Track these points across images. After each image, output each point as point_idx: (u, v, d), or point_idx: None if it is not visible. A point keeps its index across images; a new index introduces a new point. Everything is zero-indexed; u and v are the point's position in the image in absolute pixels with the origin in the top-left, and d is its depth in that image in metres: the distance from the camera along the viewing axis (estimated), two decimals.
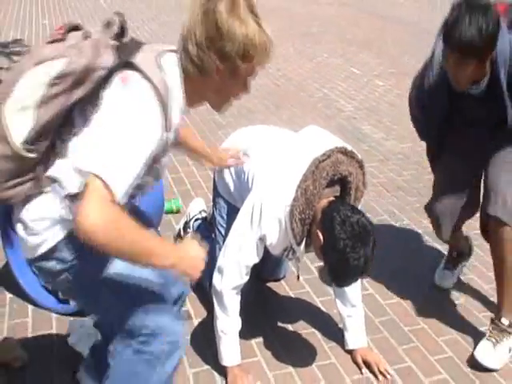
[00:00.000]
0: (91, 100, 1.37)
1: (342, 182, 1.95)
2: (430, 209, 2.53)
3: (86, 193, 1.25)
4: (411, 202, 3.46)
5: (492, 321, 2.29)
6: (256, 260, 2.02)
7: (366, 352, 2.26)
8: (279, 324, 2.42)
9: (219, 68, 1.42)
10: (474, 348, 2.28)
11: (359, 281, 2.21)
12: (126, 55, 1.38)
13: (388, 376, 2.17)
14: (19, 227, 1.48)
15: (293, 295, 2.61)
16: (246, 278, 2.04)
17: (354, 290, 2.20)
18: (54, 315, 2.34)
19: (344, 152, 1.94)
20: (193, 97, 1.49)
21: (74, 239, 1.34)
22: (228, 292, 2.02)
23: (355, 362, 2.24)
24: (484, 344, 2.25)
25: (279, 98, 5.32)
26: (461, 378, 2.19)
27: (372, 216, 3.28)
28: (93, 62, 1.34)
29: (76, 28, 1.45)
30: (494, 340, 2.24)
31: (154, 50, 1.44)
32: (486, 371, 2.22)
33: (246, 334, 2.20)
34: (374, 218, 3.29)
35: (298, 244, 1.95)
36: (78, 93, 1.36)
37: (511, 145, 2.24)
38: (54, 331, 2.28)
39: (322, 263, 1.94)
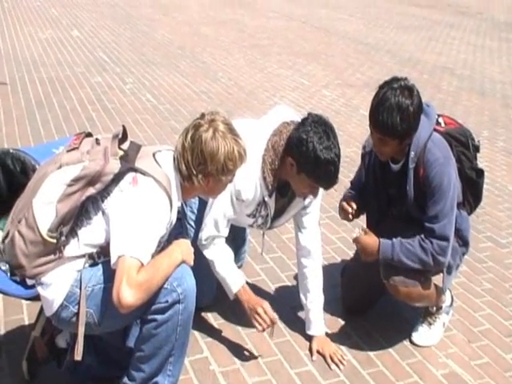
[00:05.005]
0: (102, 194, 1.74)
1: None
2: (342, 273, 2.72)
3: (117, 274, 1.61)
4: None
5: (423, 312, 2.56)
6: (231, 213, 2.23)
7: (323, 343, 2.41)
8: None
9: (201, 183, 1.81)
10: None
11: (320, 272, 2.43)
12: (128, 162, 1.73)
13: (341, 366, 2.32)
14: (39, 289, 1.79)
15: (250, 282, 2.84)
16: (224, 232, 2.27)
17: (317, 280, 2.42)
18: None
19: None
20: (183, 192, 1.86)
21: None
22: (208, 243, 2.27)
23: (310, 350, 2.40)
24: (420, 328, 2.53)
25: (232, 105, 5.57)
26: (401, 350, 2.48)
27: (320, 213, 3.55)
28: (103, 169, 1.69)
29: (89, 134, 1.83)
30: (427, 323, 2.53)
31: (150, 150, 1.82)
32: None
33: (208, 316, 2.41)
34: (322, 215, 3.56)
35: (270, 195, 2.19)
36: (91, 190, 1.71)
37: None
38: None
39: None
